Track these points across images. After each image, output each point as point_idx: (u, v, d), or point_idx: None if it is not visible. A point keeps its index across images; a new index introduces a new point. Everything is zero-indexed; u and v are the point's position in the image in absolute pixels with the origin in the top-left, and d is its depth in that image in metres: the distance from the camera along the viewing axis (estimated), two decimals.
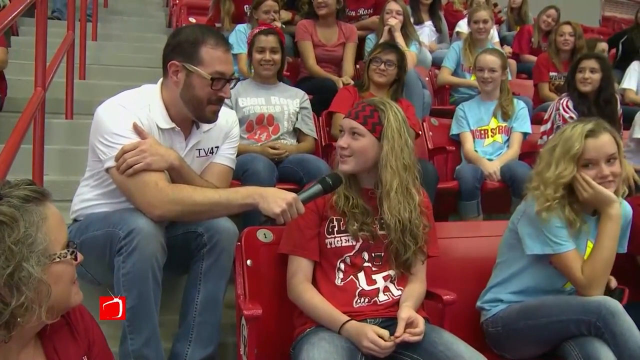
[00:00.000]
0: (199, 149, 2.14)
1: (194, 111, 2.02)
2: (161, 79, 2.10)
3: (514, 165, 3.39)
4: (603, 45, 4.89)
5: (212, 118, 2.06)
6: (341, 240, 1.99)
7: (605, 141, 2.08)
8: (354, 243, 1.99)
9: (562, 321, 1.98)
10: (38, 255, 1.09)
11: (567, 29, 4.67)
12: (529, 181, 2.18)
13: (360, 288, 1.96)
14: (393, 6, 4.17)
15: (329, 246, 1.99)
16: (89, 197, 2.12)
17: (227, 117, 2.21)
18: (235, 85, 2.12)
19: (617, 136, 2.11)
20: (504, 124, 3.64)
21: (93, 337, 1.32)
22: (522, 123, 3.64)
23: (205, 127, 2.14)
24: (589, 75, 3.58)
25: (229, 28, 4.43)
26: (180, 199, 1.90)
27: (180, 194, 1.91)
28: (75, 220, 2.16)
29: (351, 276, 1.98)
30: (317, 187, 1.88)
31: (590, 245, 2.12)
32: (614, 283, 2.16)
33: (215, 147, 2.18)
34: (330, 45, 4.14)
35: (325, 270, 1.99)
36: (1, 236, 1.05)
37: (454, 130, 3.72)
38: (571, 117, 3.55)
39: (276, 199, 1.83)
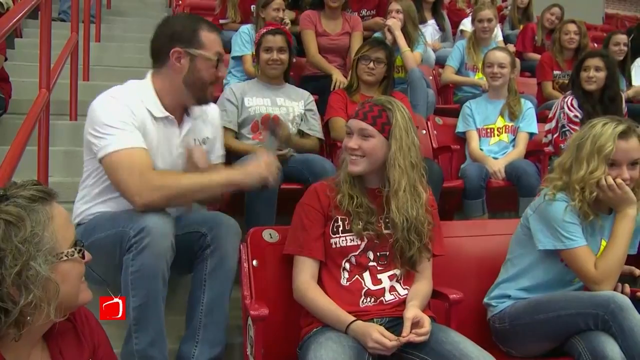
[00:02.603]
0: (195, 138, 2.20)
1: (196, 93, 2.09)
2: (150, 72, 2.14)
3: (519, 163, 3.39)
4: (620, 38, 4.83)
5: (211, 99, 2.19)
6: (346, 239, 1.98)
7: (633, 145, 2.08)
8: (359, 242, 1.98)
9: (570, 315, 1.98)
10: (45, 253, 1.10)
11: (572, 27, 4.67)
12: (551, 173, 2.21)
13: (366, 288, 1.96)
14: (392, 6, 4.16)
15: (334, 246, 1.98)
16: (90, 198, 2.12)
17: (205, 107, 2.26)
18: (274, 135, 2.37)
19: None
20: (510, 124, 3.63)
21: (98, 340, 1.33)
22: (529, 123, 3.62)
23: (194, 114, 2.19)
24: (594, 74, 3.56)
25: (234, 18, 4.39)
26: (166, 185, 1.95)
27: (166, 180, 1.97)
28: (78, 224, 2.15)
29: (357, 276, 1.97)
30: (272, 138, 2.27)
31: (604, 243, 2.13)
32: (638, 272, 2.21)
33: (207, 138, 2.25)
34: (334, 34, 4.11)
35: (331, 270, 1.99)
36: (8, 235, 1.06)
37: (460, 128, 3.71)
38: (576, 116, 3.55)
39: (257, 169, 2.02)
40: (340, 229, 1.99)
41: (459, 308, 2.04)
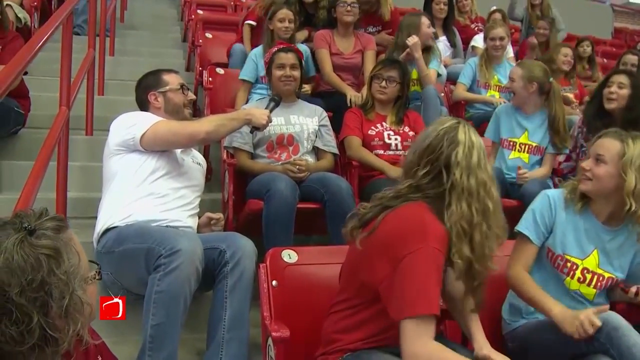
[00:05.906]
0: (192, 157, 2.63)
1: (177, 116, 2.57)
2: None
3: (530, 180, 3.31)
4: (628, 58, 4.88)
5: (190, 118, 2.66)
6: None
7: (603, 143, 2.13)
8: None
9: (569, 336, 1.95)
10: (80, 280, 1.11)
11: (567, 51, 4.78)
12: None
13: None
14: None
15: None
16: (125, 194, 2.32)
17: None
18: (276, 106, 2.82)
19: (629, 152, 2.06)
20: (535, 143, 3.52)
21: (99, 344, 1.33)
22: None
23: None
24: (616, 90, 3.34)
25: (260, 14, 4.39)
26: (203, 121, 2.55)
27: (194, 123, 2.51)
28: (108, 229, 2.26)
29: None
30: (273, 104, 2.82)
31: (595, 254, 2.14)
32: None
33: (200, 162, 2.69)
34: (347, 53, 4.15)
35: None
36: (50, 269, 1.06)
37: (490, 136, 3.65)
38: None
39: (261, 114, 2.59)
40: None
41: None
